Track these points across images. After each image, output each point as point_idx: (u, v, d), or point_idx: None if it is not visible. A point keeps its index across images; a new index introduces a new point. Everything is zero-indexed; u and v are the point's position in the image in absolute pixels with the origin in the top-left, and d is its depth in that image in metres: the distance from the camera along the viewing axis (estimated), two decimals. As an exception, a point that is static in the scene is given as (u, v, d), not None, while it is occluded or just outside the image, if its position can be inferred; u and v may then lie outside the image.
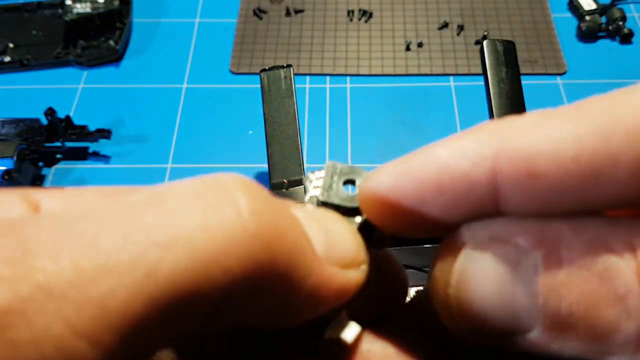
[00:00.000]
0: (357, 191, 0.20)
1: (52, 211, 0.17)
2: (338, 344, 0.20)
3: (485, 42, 0.48)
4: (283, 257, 0.16)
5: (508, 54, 0.48)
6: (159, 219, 0.14)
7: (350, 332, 0.20)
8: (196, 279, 0.14)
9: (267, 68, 0.48)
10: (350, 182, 0.21)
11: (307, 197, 0.21)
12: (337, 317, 0.20)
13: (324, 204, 0.20)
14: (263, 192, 0.17)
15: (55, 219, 0.14)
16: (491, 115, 0.47)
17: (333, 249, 0.19)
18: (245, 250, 0.15)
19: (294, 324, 0.18)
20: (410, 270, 0.42)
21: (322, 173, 0.21)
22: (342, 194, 0.20)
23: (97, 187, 0.19)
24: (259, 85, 0.48)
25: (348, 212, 0.20)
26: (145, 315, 0.13)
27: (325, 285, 0.18)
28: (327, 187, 0.20)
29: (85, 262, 0.13)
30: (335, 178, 0.21)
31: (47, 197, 0.18)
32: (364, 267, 0.20)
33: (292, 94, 0.47)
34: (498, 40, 0.49)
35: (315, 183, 0.21)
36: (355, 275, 0.19)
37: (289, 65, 0.48)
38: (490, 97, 0.47)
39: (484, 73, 0.48)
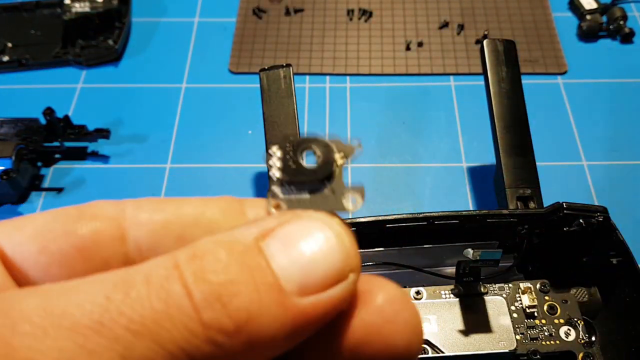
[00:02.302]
0: (318, 160, 0.19)
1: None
2: None
3: (485, 42, 0.48)
4: (241, 329, 0.15)
5: (508, 54, 0.48)
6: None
7: None
8: None
9: (266, 68, 0.47)
10: (311, 149, 0.20)
11: (273, 179, 0.19)
12: None
13: (290, 186, 0.19)
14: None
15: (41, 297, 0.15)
16: (491, 115, 0.47)
17: (309, 277, 0.17)
18: (184, 340, 0.15)
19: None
20: (410, 270, 0.42)
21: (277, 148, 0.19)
22: (301, 170, 0.19)
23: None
24: (258, 85, 0.48)
25: (314, 187, 0.19)
26: None
27: (299, 321, 0.17)
28: (287, 167, 0.19)
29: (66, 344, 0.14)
30: (291, 153, 0.19)
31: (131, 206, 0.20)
32: (352, 277, 0.18)
33: (292, 94, 0.47)
34: (498, 39, 0.49)
35: (275, 161, 0.19)
36: (341, 289, 0.17)
37: (288, 65, 0.47)
38: (490, 97, 0.47)
39: (484, 72, 0.48)
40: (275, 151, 0.19)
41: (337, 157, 0.20)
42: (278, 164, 0.19)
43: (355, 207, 0.20)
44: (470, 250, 0.37)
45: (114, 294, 0.15)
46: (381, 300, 0.19)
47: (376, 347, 0.18)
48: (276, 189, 0.19)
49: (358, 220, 0.40)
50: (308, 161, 0.19)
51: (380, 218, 0.40)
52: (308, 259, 0.17)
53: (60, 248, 0.19)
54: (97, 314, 0.15)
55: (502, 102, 0.47)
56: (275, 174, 0.19)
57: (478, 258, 0.36)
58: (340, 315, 0.18)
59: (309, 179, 0.19)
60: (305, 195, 0.19)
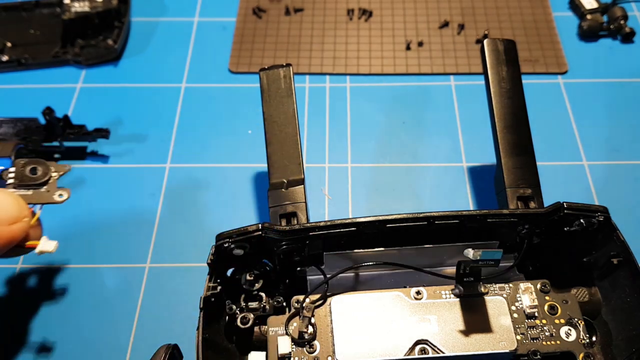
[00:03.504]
0: (39, 173, 0.43)
1: None
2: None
3: (485, 41, 0.48)
4: None
5: (508, 53, 0.48)
6: None
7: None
8: None
9: (266, 67, 0.47)
10: (34, 168, 0.43)
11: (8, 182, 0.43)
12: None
13: (20, 186, 0.43)
14: None
15: None
16: (492, 114, 0.47)
17: (1, 217, 0.39)
18: None
19: None
20: (410, 270, 0.42)
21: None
22: (28, 178, 0.43)
23: None
24: (258, 85, 0.48)
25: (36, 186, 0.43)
26: None
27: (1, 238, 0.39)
28: (18, 175, 0.43)
29: None
30: (22, 168, 0.43)
31: None
32: (27, 220, 0.41)
33: (292, 93, 0.47)
34: (499, 39, 0.49)
35: (10, 175, 0.43)
36: (19, 226, 0.40)
37: (288, 65, 0.47)
38: (490, 96, 0.47)
39: (485, 72, 0.48)
40: (12, 169, 0.43)
41: (53, 171, 0.44)
42: (13, 175, 0.43)
43: (62, 200, 0.43)
44: (470, 251, 0.36)
45: None
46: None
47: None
48: (12, 188, 0.43)
49: (358, 220, 0.40)
50: (33, 173, 0.43)
51: (380, 218, 0.40)
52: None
53: None
54: None
55: (502, 101, 0.47)
56: (10, 180, 0.43)
57: (478, 258, 0.36)
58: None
59: (32, 184, 0.43)
60: (29, 192, 0.43)
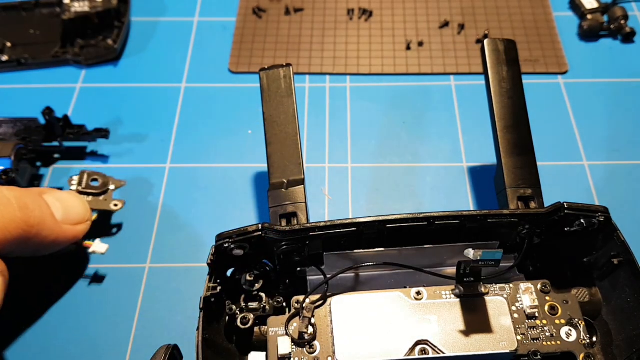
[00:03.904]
0: (99, 184, 0.52)
1: None
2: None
3: (486, 41, 0.48)
4: (35, 226, 0.41)
5: (509, 53, 0.48)
6: None
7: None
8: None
9: (266, 67, 0.47)
10: (95, 179, 0.51)
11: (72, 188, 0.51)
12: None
13: (81, 192, 0.51)
14: (22, 189, 0.43)
15: None
16: (492, 115, 0.47)
17: (68, 215, 0.45)
18: (15, 224, 0.40)
19: (50, 252, 0.45)
20: (410, 270, 0.42)
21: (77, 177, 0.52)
22: (90, 186, 0.51)
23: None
24: (258, 85, 0.48)
25: (97, 194, 0.51)
26: None
27: (63, 236, 0.45)
28: (81, 183, 0.51)
29: None
30: (86, 177, 0.52)
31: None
32: (89, 222, 0.48)
33: (292, 93, 0.47)
34: (499, 39, 0.49)
35: (73, 182, 0.51)
36: (83, 227, 0.47)
37: (288, 65, 0.47)
38: (491, 97, 0.47)
39: (485, 72, 0.48)
40: (75, 178, 0.52)
41: (111, 184, 0.52)
42: (76, 182, 0.51)
43: (117, 208, 0.51)
44: (471, 251, 0.36)
45: None
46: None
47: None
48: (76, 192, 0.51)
49: (358, 220, 0.40)
50: (94, 182, 0.51)
51: (380, 218, 0.40)
52: (68, 207, 0.46)
53: None
54: None
55: (503, 101, 0.47)
56: (73, 187, 0.51)
57: (479, 258, 0.36)
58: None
59: (92, 193, 0.51)
60: (89, 198, 0.51)
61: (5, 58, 0.67)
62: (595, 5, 0.70)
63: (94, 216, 0.50)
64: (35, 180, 0.58)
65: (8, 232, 0.39)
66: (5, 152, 0.54)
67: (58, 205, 0.45)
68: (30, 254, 0.44)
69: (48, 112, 0.56)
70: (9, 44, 0.68)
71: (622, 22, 0.68)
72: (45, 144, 0.58)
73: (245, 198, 0.57)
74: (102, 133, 0.58)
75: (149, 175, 0.58)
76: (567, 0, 0.73)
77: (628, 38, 0.69)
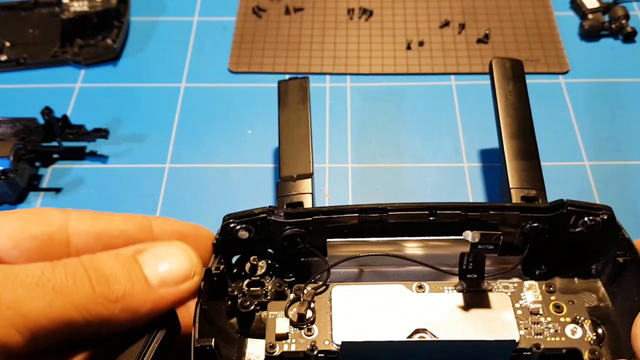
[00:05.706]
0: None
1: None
2: None
3: (493, 60, 0.51)
4: (119, 301, 0.30)
5: (515, 70, 0.50)
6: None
7: None
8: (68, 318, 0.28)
9: (286, 79, 0.52)
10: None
11: None
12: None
13: None
14: (113, 252, 0.33)
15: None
16: (497, 122, 0.48)
17: (167, 276, 0.33)
18: (91, 305, 0.29)
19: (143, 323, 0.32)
20: (413, 267, 0.42)
21: None
22: None
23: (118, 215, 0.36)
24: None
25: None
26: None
27: (161, 303, 0.33)
28: None
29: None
30: None
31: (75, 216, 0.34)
32: (196, 278, 0.35)
33: (307, 102, 0.50)
34: (506, 58, 0.51)
35: None
36: (188, 285, 0.34)
37: (305, 77, 0.51)
38: (497, 106, 0.48)
39: (492, 88, 0.50)
40: None
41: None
42: None
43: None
44: (469, 232, 0.36)
45: (45, 269, 0.29)
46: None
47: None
48: None
49: (361, 206, 0.40)
50: None
51: (383, 205, 0.40)
52: (167, 266, 0.33)
53: (27, 247, 0.32)
54: (36, 277, 0.28)
55: (508, 112, 0.48)
56: None
57: (477, 240, 0.36)
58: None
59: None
60: None
61: (4, 58, 0.66)
62: (596, 4, 0.70)
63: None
64: (34, 180, 0.57)
65: (79, 313, 0.29)
66: (4, 152, 0.54)
67: (153, 265, 0.33)
68: (123, 330, 0.32)
69: (47, 112, 0.55)
70: (7, 44, 0.68)
71: (624, 21, 0.68)
72: (44, 144, 0.58)
73: (245, 198, 0.56)
74: (102, 133, 0.58)
75: (148, 175, 0.58)
76: (567, -1, 0.73)
77: (629, 38, 0.69)
